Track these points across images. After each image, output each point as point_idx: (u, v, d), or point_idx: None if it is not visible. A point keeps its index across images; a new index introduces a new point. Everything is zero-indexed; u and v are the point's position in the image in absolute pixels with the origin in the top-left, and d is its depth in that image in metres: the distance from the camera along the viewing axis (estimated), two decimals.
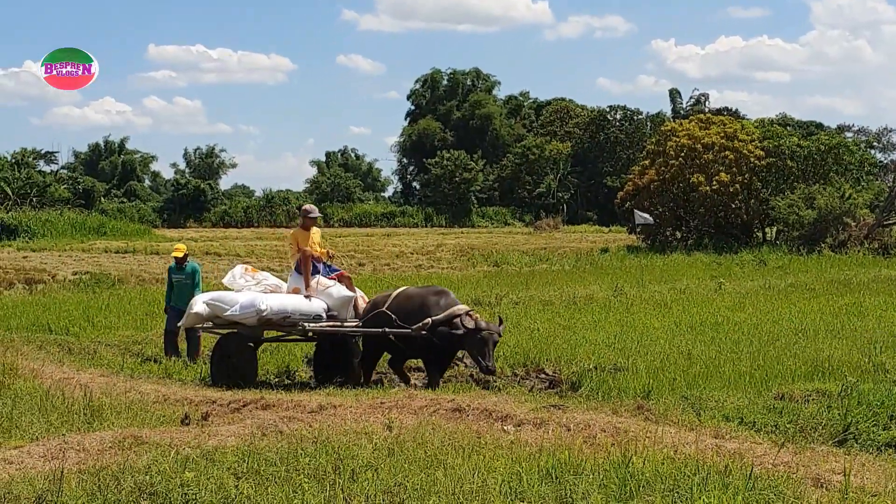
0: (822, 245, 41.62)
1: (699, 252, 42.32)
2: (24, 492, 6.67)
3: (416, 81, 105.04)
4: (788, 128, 65.77)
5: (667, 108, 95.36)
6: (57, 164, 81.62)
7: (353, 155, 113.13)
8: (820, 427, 9.28)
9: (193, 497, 6.51)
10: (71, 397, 11.30)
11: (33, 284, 28.88)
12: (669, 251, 43.81)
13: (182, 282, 16.59)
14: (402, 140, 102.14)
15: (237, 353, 13.91)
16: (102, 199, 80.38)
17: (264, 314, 13.54)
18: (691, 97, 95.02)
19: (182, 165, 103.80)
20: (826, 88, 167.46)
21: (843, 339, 15.13)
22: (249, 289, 14.30)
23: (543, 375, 14.11)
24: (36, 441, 8.79)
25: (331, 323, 14.06)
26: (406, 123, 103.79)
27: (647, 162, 51.62)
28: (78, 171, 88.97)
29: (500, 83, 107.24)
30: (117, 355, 16.20)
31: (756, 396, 11.23)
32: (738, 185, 47.50)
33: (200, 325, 14.63)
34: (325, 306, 14.08)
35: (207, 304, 14.14)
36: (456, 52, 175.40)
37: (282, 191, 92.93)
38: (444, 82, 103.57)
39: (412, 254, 43.22)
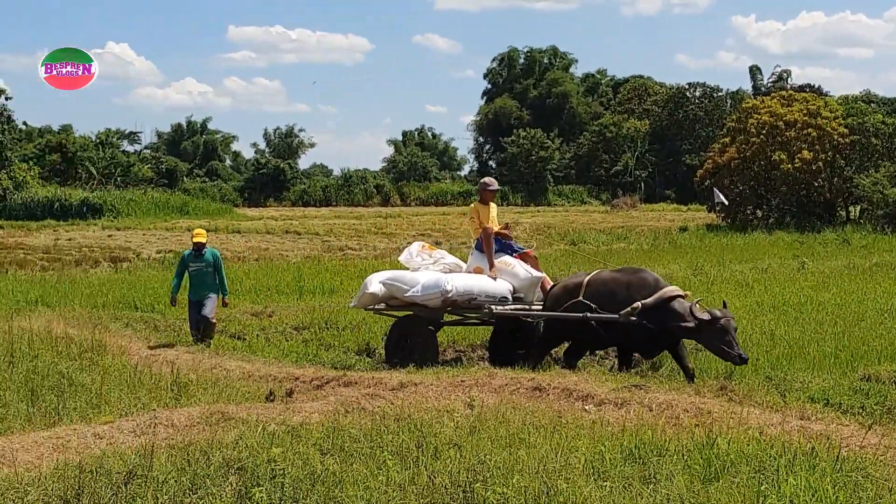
0: None
1: (781, 231, 41.73)
2: (115, 466, 6.81)
3: (493, 60, 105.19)
4: (872, 105, 64.43)
5: (747, 85, 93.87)
6: (140, 143, 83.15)
7: (429, 134, 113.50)
8: None
9: (280, 472, 6.61)
10: (158, 373, 11.53)
11: (118, 262, 29.52)
12: (750, 230, 43.24)
13: (202, 270, 15.12)
14: (478, 119, 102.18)
15: (416, 336, 13.13)
16: (185, 178, 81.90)
17: (450, 295, 12.70)
18: (773, 74, 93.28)
19: (262, 145, 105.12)
20: None
21: None
22: (427, 267, 13.56)
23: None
24: (125, 416, 8.97)
25: (519, 306, 13.17)
26: (482, 102, 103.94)
27: (727, 140, 50.97)
28: (161, 150, 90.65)
29: (577, 61, 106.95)
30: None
31: (841, 377, 11.08)
32: (820, 164, 46.71)
33: (372, 307, 13.77)
34: (511, 287, 13.17)
35: (384, 284, 13.26)
36: (532, 30, 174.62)
37: (359, 170, 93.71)
38: (521, 61, 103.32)
39: None
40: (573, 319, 12.18)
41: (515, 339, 13.52)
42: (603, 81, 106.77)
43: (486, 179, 14.19)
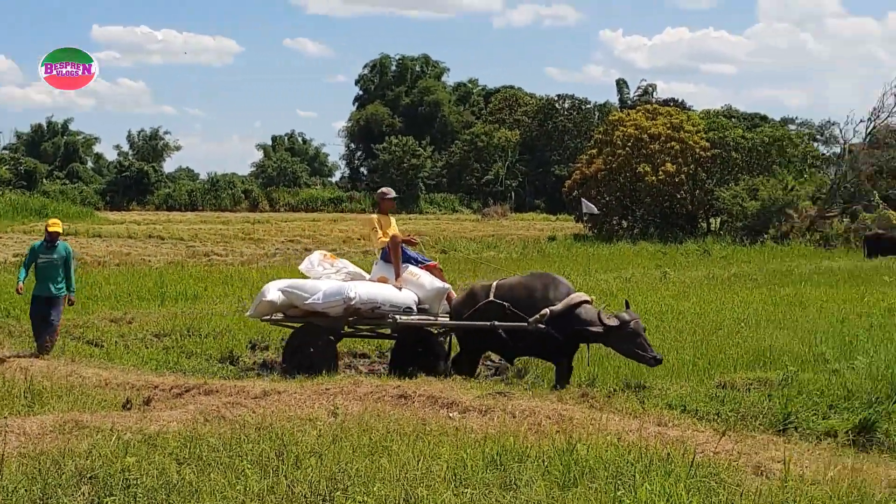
0: (765, 236, 42.16)
1: (645, 241, 42.69)
2: None
3: (365, 66, 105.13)
4: (733, 119, 66.46)
5: (614, 98, 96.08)
6: None
7: (299, 139, 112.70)
8: (761, 416, 9.39)
9: (134, 482, 6.43)
10: (11, 381, 11.11)
11: None
12: (616, 240, 44.14)
13: (52, 263, 14.09)
14: (349, 125, 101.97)
15: (315, 346, 12.63)
16: (44, 180, 79.40)
17: (353, 303, 12.32)
18: (638, 87, 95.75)
19: (125, 147, 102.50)
20: (771, 81, 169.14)
21: (784, 329, 15.30)
22: (329, 277, 13.18)
23: (489, 363, 14.12)
24: None
25: (424, 317, 12.91)
26: (354, 108, 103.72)
27: (594, 151, 51.94)
28: (20, 151, 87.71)
29: (449, 70, 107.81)
30: (58, 338, 15.95)
31: (699, 385, 11.34)
32: (683, 176, 47.98)
33: (269, 316, 13.26)
34: (416, 298, 12.86)
35: (283, 292, 12.79)
36: (405, 38, 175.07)
37: (227, 174, 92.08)
38: (393, 68, 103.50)
39: (359, 239, 43.06)
40: (480, 326, 12.04)
41: (418, 352, 13.12)
42: (474, 91, 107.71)
43: (384, 189, 14.03)
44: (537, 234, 48.55)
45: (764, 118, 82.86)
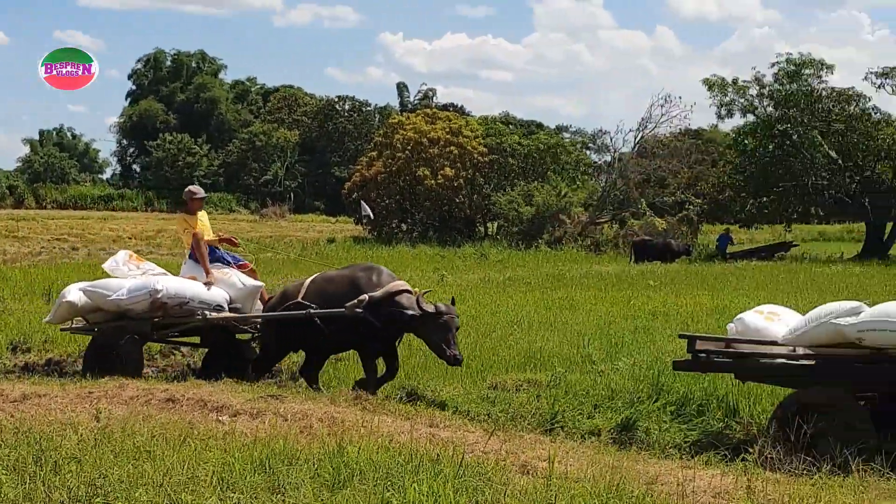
0: (540, 241, 43.33)
1: (424, 245, 43.14)
2: None
3: (139, 61, 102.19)
4: (510, 126, 68.11)
5: (395, 102, 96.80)
6: None
7: (69, 134, 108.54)
8: (529, 416, 9.61)
9: None
10: None
11: None
12: (395, 243, 44.43)
13: None
14: (122, 120, 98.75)
15: (119, 349, 11.90)
16: None
17: (160, 296, 11.91)
18: (419, 91, 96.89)
19: None
20: (547, 89, 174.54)
21: (555, 331, 15.70)
22: (135, 277, 12.62)
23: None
24: None
25: (235, 315, 12.43)
26: (127, 104, 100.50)
27: (374, 154, 52.20)
28: None
29: (226, 67, 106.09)
30: None
31: (472, 386, 11.50)
32: (461, 181, 48.81)
33: (70, 323, 12.71)
34: (227, 297, 12.44)
35: (85, 293, 12.29)
36: (181, 34, 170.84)
37: None
38: (168, 63, 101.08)
39: (130, 238, 41.85)
40: (295, 319, 11.67)
41: (229, 356, 12.68)
42: (253, 89, 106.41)
43: (193, 188, 13.56)
44: (317, 236, 48.37)
45: (540, 125, 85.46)
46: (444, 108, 73.86)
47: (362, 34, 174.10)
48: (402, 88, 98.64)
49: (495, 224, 51.96)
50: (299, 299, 11.79)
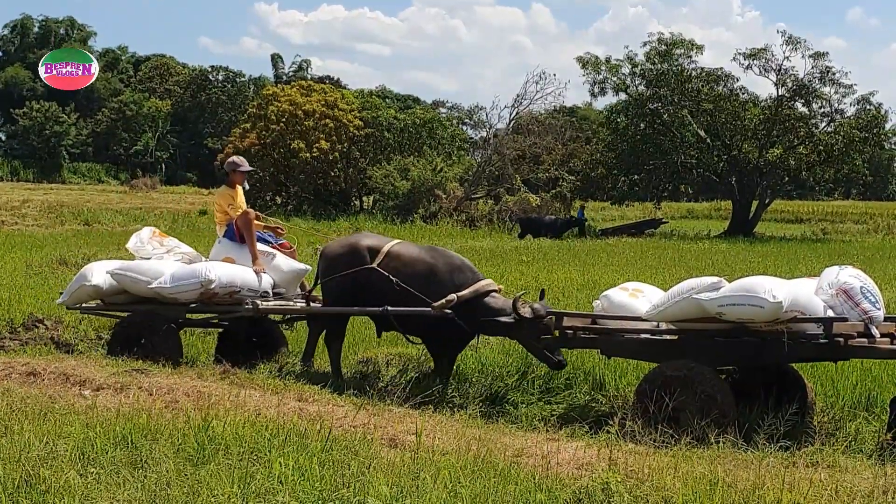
0: (415, 215, 43.45)
1: (298, 218, 42.83)
2: None
3: (5, 27, 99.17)
4: (387, 100, 68.09)
5: (270, 73, 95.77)
6: None
7: None
8: (399, 390, 9.61)
9: None
10: None
11: None
12: (269, 216, 43.91)
13: None
14: None
15: (155, 336, 10.70)
16: None
17: (213, 286, 10.61)
18: (293, 63, 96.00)
19: None
20: (424, 64, 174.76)
21: None
22: (161, 257, 11.31)
23: None
24: None
25: (285, 302, 11.37)
26: None
27: (248, 125, 51.58)
28: None
29: (96, 34, 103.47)
30: None
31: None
32: (337, 154, 48.61)
33: (83, 305, 11.49)
34: (272, 282, 11.29)
35: (115, 276, 10.99)
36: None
37: None
38: (36, 29, 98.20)
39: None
40: (370, 313, 10.75)
41: (252, 342, 11.58)
42: (123, 58, 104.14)
43: (236, 159, 12.08)
44: (188, 208, 47.53)
45: (416, 100, 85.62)
46: (320, 80, 73.27)
47: (237, 3, 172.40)
48: (276, 59, 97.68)
49: (371, 198, 51.90)
50: (375, 265, 10.68)
